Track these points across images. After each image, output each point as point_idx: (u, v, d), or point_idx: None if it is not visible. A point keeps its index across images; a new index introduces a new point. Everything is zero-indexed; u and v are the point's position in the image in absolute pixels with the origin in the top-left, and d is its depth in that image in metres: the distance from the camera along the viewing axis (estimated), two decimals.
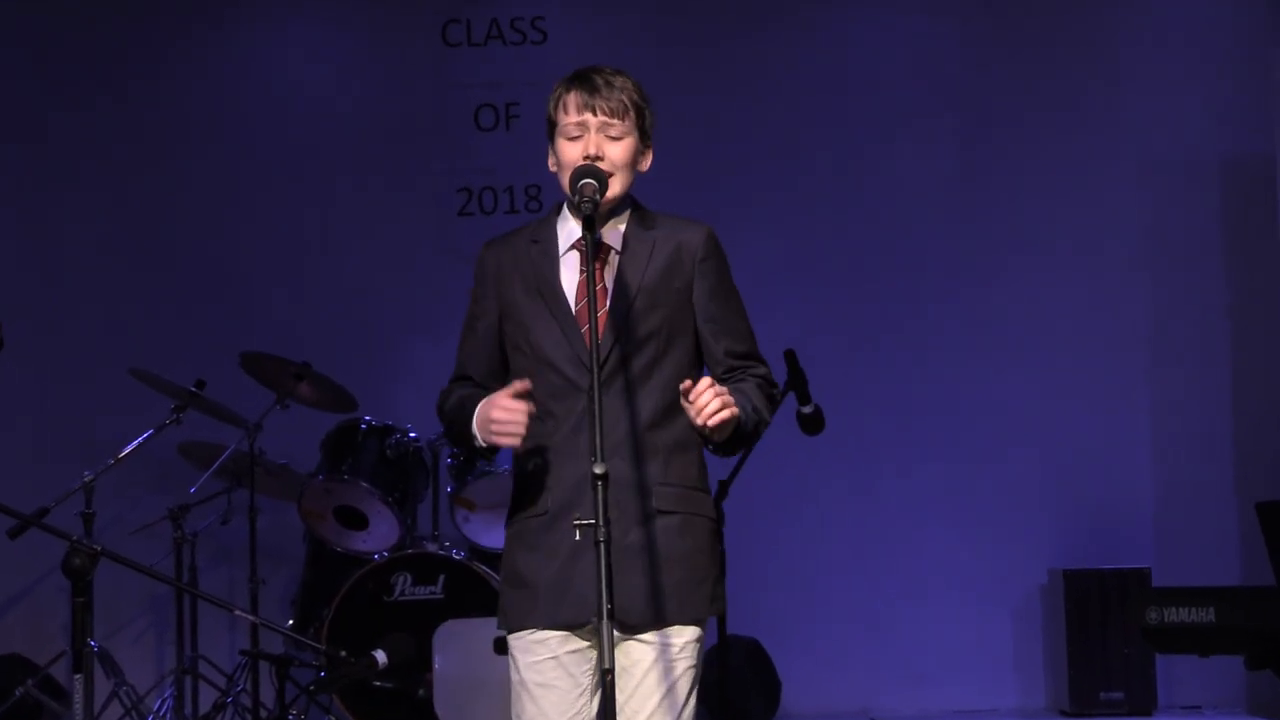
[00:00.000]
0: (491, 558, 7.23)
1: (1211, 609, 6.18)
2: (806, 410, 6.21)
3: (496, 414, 3.87)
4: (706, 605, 4.00)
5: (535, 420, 3.94)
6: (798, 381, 6.15)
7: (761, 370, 4.08)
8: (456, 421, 4.04)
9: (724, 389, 3.83)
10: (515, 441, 3.87)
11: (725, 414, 3.80)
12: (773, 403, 4.08)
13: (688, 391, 3.80)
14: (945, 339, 8.35)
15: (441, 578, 7.07)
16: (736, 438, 3.91)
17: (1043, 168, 8.41)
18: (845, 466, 8.21)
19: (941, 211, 8.40)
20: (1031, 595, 8.29)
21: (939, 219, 8.40)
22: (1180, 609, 6.71)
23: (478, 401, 3.96)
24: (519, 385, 3.88)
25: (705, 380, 3.81)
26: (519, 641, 4.00)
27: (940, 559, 8.25)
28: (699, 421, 3.80)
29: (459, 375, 4.16)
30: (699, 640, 4.00)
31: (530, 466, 4.02)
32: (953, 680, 8.23)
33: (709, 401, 3.78)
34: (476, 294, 4.13)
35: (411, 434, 7.42)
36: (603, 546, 3.57)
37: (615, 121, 3.99)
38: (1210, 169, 8.38)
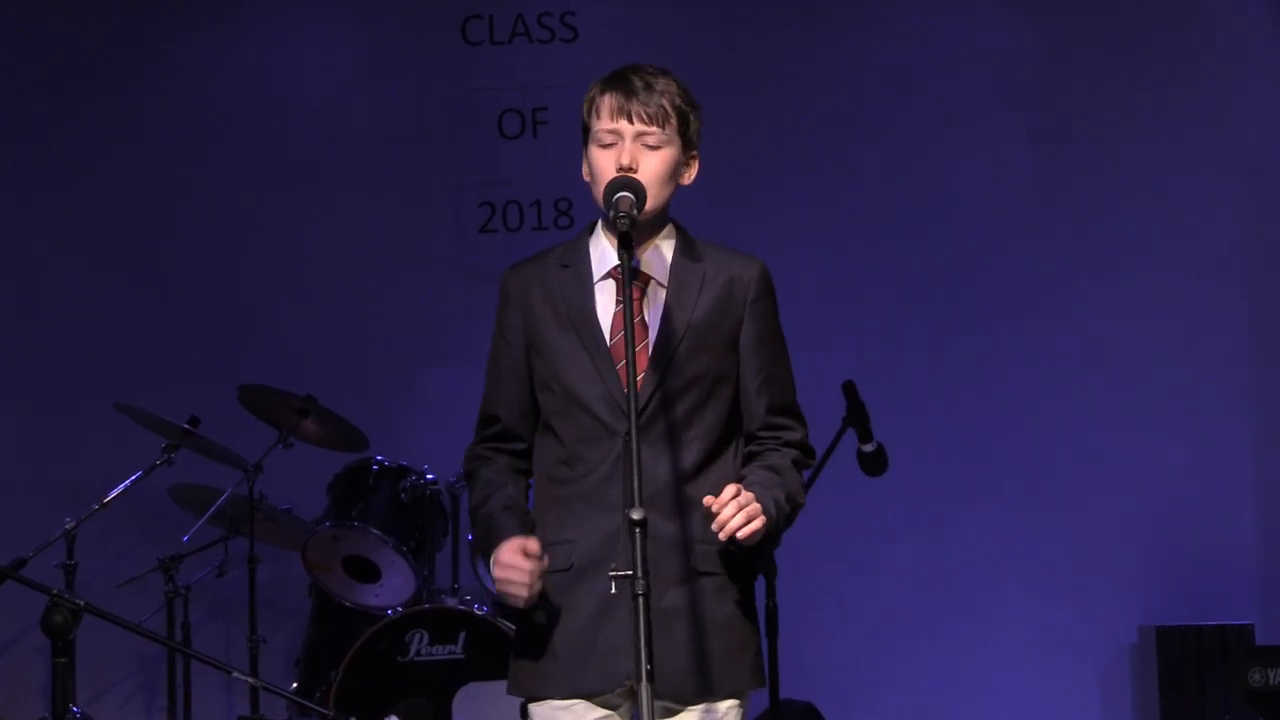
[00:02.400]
0: (517, 613, 7.21)
1: None
2: (868, 449, 6.21)
3: (496, 571, 3.94)
4: (749, 676, 4.03)
5: (563, 466, 3.98)
6: (858, 417, 6.15)
7: (797, 435, 4.11)
8: (482, 543, 4.10)
9: (748, 496, 3.84)
10: (520, 603, 3.96)
11: (754, 526, 3.83)
12: (803, 475, 4.13)
13: (710, 505, 3.82)
14: (1021, 369, 8.32)
15: (462, 636, 7.06)
16: (765, 539, 3.93)
17: (1129, 179, 8.38)
18: (911, 511, 8.18)
19: (1015, 228, 8.38)
20: (1120, 655, 8.25)
21: (1012, 236, 8.37)
22: None
23: (506, 523, 4.00)
24: (529, 544, 3.91)
25: (729, 490, 3.82)
26: (542, 709, 4.04)
27: (1018, 614, 8.22)
28: (722, 537, 3.82)
29: (486, 417, 4.17)
30: (740, 708, 4.02)
31: (553, 517, 4.03)
32: None
33: (732, 516, 3.80)
34: (500, 325, 4.13)
35: (428, 475, 7.42)
36: (642, 600, 3.57)
37: (653, 129, 3.99)
38: None
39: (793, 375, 4.15)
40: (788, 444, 4.08)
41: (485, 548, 4.06)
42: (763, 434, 4.08)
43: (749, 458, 4.09)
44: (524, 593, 3.92)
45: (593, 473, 3.96)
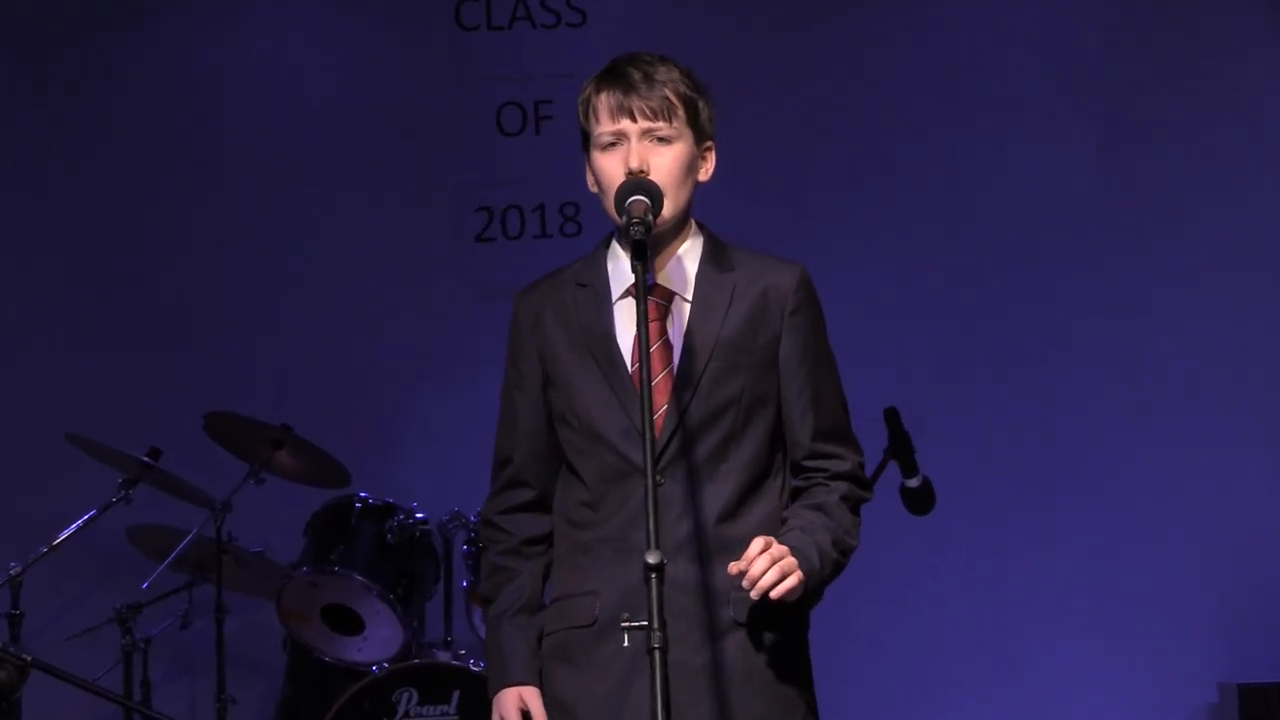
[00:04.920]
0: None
1: None
2: (913, 484, 6.21)
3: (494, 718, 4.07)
4: None
5: (585, 508, 3.99)
6: (901, 448, 6.14)
7: (846, 465, 4.08)
8: (489, 661, 4.17)
9: (782, 549, 3.81)
10: None
11: (788, 585, 3.80)
12: (858, 511, 4.11)
13: (734, 571, 3.80)
14: (1084, 394, 8.32)
15: (455, 695, 7.06)
16: (809, 592, 3.93)
17: (1199, 179, 8.39)
18: (962, 551, 8.18)
19: (1076, 233, 8.38)
20: (1198, 716, 8.24)
21: (1073, 242, 8.38)
22: None
23: (511, 647, 4.08)
24: (531, 704, 4.03)
25: (757, 543, 3.80)
26: None
27: (1081, 670, 8.22)
28: (754, 596, 3.80)
29: (499, 460, 4.18)
30: None
31: (574, 565, 4.02)
32: None
33: (763, 572, 3.77)
34: (512, 354, 4.14)
35: (418, 514, 7.41)
36: (658, 654, 3.53)
37: (660, 124, 3.98)
38: None
39: (844, 394, 4.13)
40: (836, 476, 4.05)
41: (490, 673, 4.14)
42: (808, 464, 4.06)
43: (795, 493, 4.08)
44: None
45: (616, 515, 3.95)
